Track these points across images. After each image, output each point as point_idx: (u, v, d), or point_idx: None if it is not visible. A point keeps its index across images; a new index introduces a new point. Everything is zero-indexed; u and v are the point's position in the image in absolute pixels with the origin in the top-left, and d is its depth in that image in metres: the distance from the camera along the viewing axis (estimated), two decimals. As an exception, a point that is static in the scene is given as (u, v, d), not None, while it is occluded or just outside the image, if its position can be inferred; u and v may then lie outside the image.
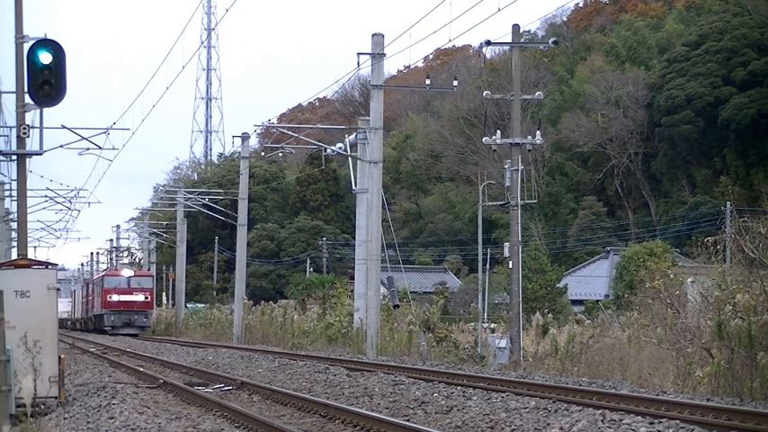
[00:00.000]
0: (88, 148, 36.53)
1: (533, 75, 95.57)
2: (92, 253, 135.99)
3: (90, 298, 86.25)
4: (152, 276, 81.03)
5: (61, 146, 34.61)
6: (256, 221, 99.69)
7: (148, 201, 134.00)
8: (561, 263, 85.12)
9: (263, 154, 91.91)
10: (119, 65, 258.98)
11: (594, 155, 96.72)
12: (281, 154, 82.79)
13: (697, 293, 27.35)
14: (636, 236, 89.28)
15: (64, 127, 34.70)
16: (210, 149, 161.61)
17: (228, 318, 63.24)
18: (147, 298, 75.68)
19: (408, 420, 17.63)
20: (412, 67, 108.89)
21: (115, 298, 74.53)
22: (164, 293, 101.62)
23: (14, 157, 27.59)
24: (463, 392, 21.05)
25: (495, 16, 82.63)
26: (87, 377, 27.92)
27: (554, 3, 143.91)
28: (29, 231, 35.17)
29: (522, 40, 47.86)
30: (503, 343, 38.59)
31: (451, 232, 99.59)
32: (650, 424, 15.50)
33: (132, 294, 74.99)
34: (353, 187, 43.32)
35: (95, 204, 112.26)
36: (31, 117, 26.10)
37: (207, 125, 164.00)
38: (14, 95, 26.45)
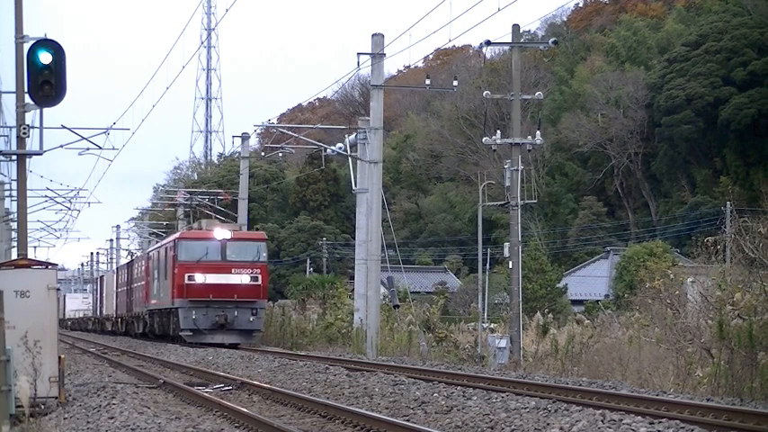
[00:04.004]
0: (88, 148, 36.53)
1: (533, 75, 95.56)
2: (92, 253, 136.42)
3: (142, 282, 55.87)
4: (264, 240, 47.62)
5: (61, 146, 34.61)
6: (256, 221, 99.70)
7: (148, 201, 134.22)
8: (561, 263, 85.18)
9: (263, 154, 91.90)
10: (119, 65, 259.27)
11: (594, 155, 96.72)
12: (281, 154, 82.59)
13: (697, 293, 27.37)
14: (636, 236, 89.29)
15: (64, 127, 34.71)
16: (210, 149, 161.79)
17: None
18: (256, 280, 44.97)
19: (408, 420, 17.62)
20: (412, 67, 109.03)
21: (200, 279, 44.68)
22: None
23: (14, 157, 27.62)
24: (463, 392, 21.05)
25: (495, 16, 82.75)
26: (87, 377, 27.91)
27: (554, 3, 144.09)
28: (29, 231, 35.22)
29: (522, 40, 47.89)
30: (503, 343, 38.62)
31: (451, 232, 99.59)
32: (650, 424, 15.49)
33: (230, 273, 44.79)
34: (353, 187, 43.34)
35: (95, 204, 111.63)
36: (31, 117, 26.17)
37: (207, 125, 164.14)
38: (14, 95, 26.50)
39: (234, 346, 43.49)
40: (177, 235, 48.51)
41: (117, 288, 68.88)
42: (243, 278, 44.75)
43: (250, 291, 44.83)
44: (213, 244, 45.24)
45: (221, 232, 45.69)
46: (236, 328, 44.62)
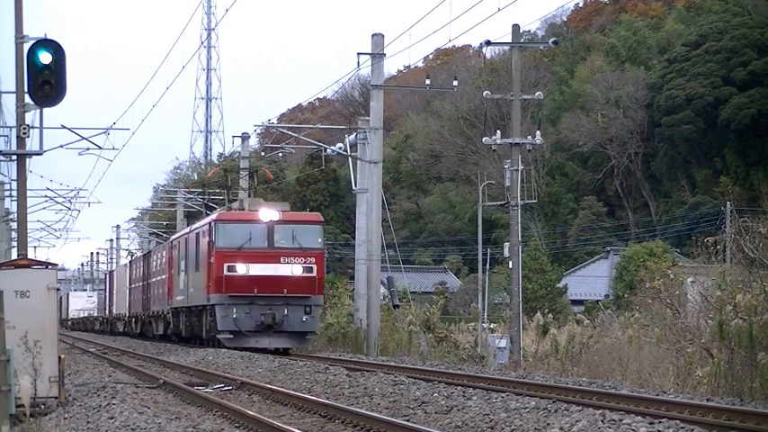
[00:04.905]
0: (88, 148, 36.50)
1: (533, 75, 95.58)
2: (92, 253, 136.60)
3: (164, 276, 49.23)
4: (321, 223, 39.88)
5: (61, 146, 34.58)
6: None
7: (148, 201, 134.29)
8: (561, 263, 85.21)
9: (263, 154, 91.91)
10: (119, 65, 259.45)
11: (594, 155, 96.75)
12: (281, 154, 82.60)
13: (697, 293, 27.39)
14: (636, 236, 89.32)
15: (64, 127, 34.68)
16: (210, 149, 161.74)
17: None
18: (311, 271, 37.82)
19: (408, 420, 17.62)
20: (412, 67, 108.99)
21: (241, 270, 37.50)
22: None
23: (14, 157, 27.64)
24: (463, 392, 21.04)
25: (495, 16, 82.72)
26: (87, 377, 27.92)
27: (554, 3, 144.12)
28: (29, 231, 35.23)
29: (522, 40, 47.90)
30: (503, 343, 38.67)
31: (451, 232, 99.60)
32: (650, 424, 15.48)
33: (279, 262, 37.53)
34: (353, 187, 43.34)
35: (95, 204, 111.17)
36: (31, 117, 26.19)
37: (207, 125, 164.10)
38: (14, 95, 26.52)
39: (283, 352, 37.06)
40: (214, 216, 39.91)
41: (130, 284, 62.72)
42: (294, 269, 37.47)
43: (303, 284, 37.46)
44: (258, 227, 37.64)
45: (268, 213, 37.83)
46: (285, 329, 37.32)
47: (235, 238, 37.68)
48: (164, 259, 49.89)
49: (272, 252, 37.37)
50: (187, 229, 45.68)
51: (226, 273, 37.30)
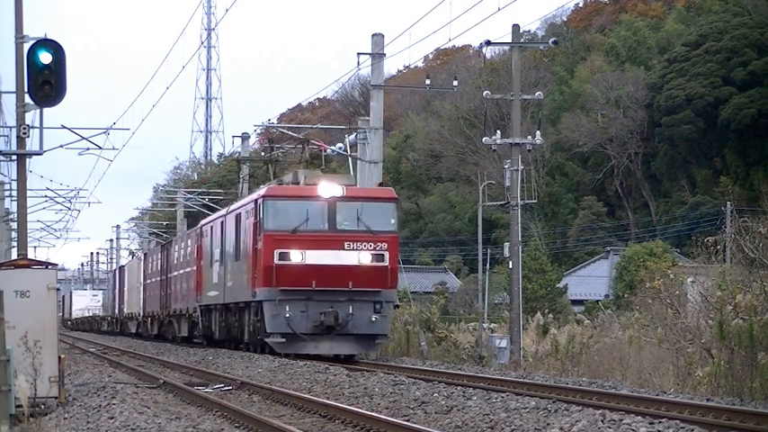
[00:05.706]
0: (88, 148, 36.52)
1: (533, 75, 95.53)
2: (92, 253, 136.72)
3: (189, 269, 43.73)
4: (395, 201, 32.63)
5: (61, 146, 34.61)
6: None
7: (148, 201, 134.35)
8: (561, 263, 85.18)
9: (262, 154, 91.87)
10: (119, 65, 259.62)
11: (594, 155, 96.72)
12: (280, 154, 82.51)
13: (697, 293, 27.41)
14: (636, 236, 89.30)
15: (64, 127, 34.71)
16: (210, 149, 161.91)
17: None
18: (382, 259, 31.18)
19: (408, 420, 17.62)
20: (412, 67, 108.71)
21: (296, 258, 30.87)
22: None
23: (14, 157, 27.67)
24: (463, 392, 21.05)
25: (495, 16, 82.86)
26: (87, 377, 27.91)
27: (554, 3, 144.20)
28: (29, 231, 35.25)
29: (522, 40, 47.90)
30: (503, 343, 38.67)
31: (451, 232, 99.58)
32: (650, 424, 15.48)
33: (343, 248, 30.96)
34: (353, 187, 43.21)
35: (95, 204, 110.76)
36: (31, 117, 26.22)
37: (207, 125, 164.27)
38: (14, 95, 26.55)
39: (346, 359, 31.19)
40: (262, 192, 32.39)
41: (145, 280, 57.17)
42: (362, 256, 30.91)
43: (372, 275, 30.91)
44: (317, 205, 30.94)
45: (328, 187, 31.05)
46: (350, 331, 30.95)
47: (288, 218, 31.07)
48: (189, 249, 44.34)
49: (335, 236, 30.96)
50: (223, 211, 39.09)
51: (277, 261, 30.81)
